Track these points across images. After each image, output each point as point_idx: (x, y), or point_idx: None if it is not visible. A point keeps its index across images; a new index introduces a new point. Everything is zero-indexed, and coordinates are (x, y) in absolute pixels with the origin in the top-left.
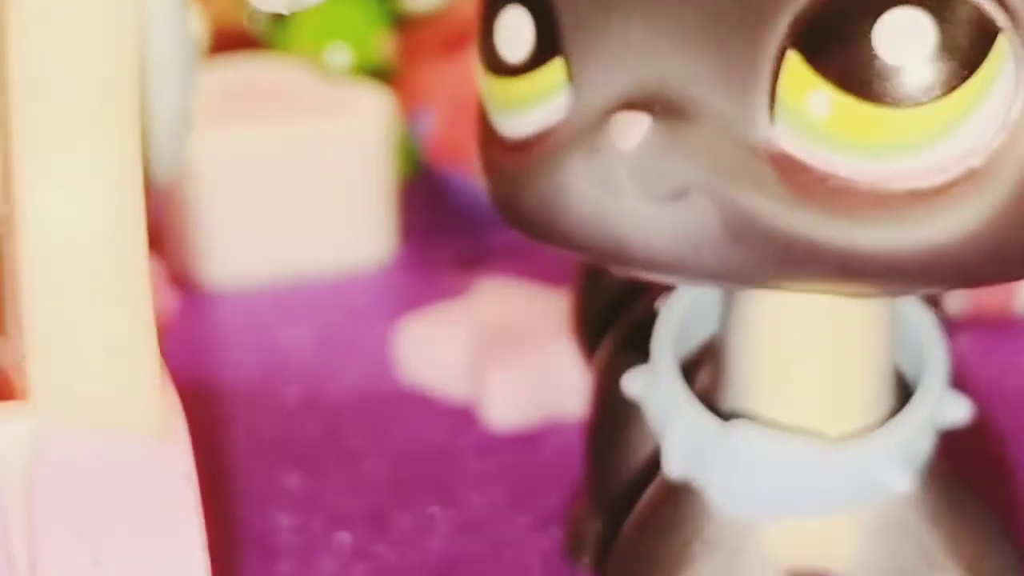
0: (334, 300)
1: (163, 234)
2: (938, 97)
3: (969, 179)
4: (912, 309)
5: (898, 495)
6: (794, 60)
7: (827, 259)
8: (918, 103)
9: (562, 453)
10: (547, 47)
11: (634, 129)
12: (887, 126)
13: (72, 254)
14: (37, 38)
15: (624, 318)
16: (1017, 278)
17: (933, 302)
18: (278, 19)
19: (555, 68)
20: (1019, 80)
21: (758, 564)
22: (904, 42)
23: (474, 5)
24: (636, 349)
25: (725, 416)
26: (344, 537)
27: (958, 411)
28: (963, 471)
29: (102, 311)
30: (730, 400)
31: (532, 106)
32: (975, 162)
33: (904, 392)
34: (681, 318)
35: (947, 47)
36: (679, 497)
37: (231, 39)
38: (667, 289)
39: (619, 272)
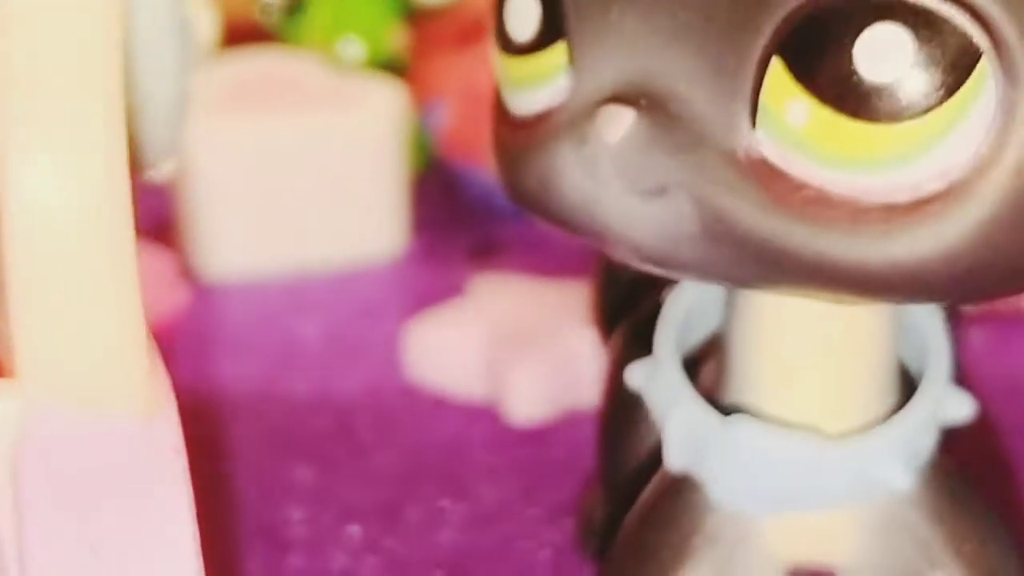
0: (345, 293)
1: (174, 228)
2: (916, 115)
3: (944, 199)
4: (917, 305)
5: (899, 492)
6: (777, 67)
7: (799, 267)
8: (895, 120)
9: (573, 446)
10: (552, 29)
11: (619, 122)
12: (863, 141)
13: (58, 233)
14: (20, 22)
15: (637, 308)
16: (994, 299)
17: None
18: (290, 12)
19: (559, 51)
20: (1000, 103)
21: (758, 559)
22: (884, 58)
23: None
24: (647, 341)
25: (727, 411)
26: (354, 530)
27: (961, 408)
28: (969, 468)
29: (88, 289)
30: (732, 396)
31: (536, 86)
32: (951, 182)
33: (909, 387)
34: (686, 312)
35: (927, 66)
36: (680, 490)
37: (243, 33)
38: (677, 281)
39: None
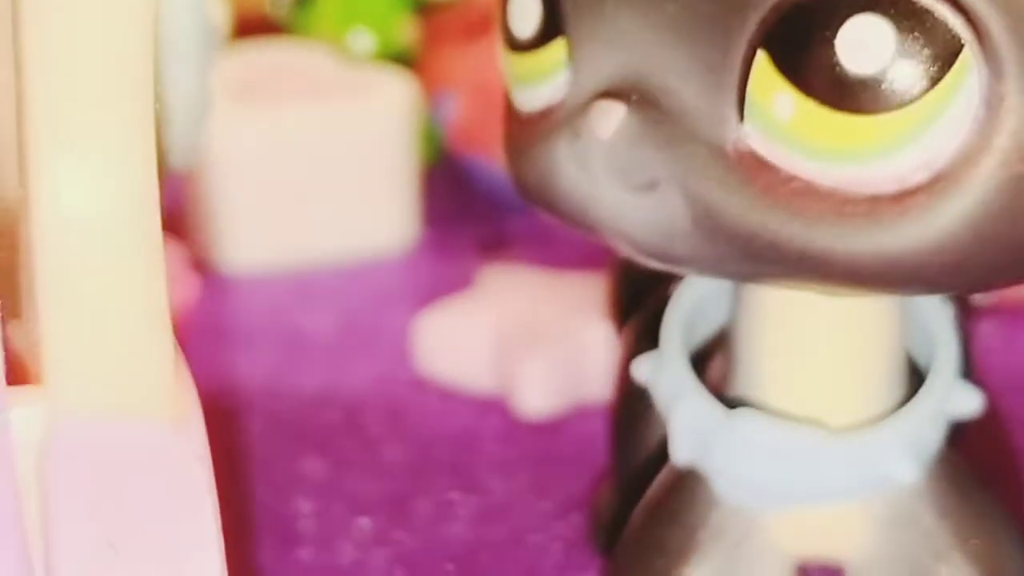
0: (356, 286)
1: (184, 220)
2: (899, 106)
3: (930, 190)
4: (925, 296)
5: (906, 486)
6: (762, 60)
7: (789, 259)
8: (878, 111)
9: (584, 439)
10: (552, 26)
11: (610, 117)
12: (848, 132)
13: (87, 238)
14: (52, 22)
15: (649, 301)
16: (990, 289)
17: None
18: (300, 4)
19: (559, 47)
20: (983, 94)
21: (764, 553)
22: (866, 50)
23: None
24: (657, 335)
25: (734, 405)
26: (364, 523)
27: (969, 401)
28: (976, 462)
29: (116, 295)
30: (739, 389)
31: (538, 82)
32: (936, 173)
33: (917, 380)
34: (694, 306)
35: (909, 58)
36: (686, 484)
37: (253, 24)
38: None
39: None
